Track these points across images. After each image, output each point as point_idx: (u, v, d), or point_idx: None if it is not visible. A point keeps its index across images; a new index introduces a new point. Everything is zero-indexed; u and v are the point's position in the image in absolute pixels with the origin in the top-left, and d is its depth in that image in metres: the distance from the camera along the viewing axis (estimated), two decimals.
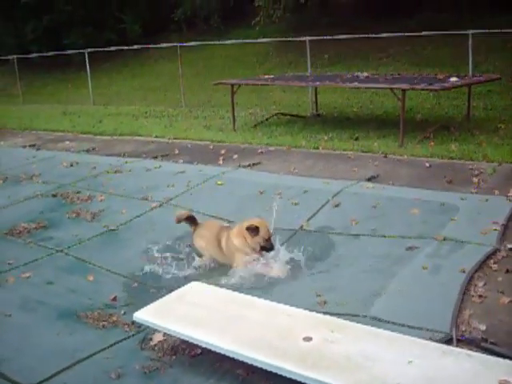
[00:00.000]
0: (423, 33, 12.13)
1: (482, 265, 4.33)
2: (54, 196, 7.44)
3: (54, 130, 13.02)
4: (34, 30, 21.54)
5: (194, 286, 3.87)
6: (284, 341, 3.04)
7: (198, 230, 5.44)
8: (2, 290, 4.84)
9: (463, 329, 3.51)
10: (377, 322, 3.62)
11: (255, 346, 3.03)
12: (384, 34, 12.51)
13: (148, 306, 3.64)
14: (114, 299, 4.64)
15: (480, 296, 3.89)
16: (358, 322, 3.52)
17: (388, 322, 3.60)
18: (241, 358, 3.01)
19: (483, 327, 3.49)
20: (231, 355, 3.05)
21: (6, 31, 22.14)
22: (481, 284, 4.06)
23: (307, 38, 12.58)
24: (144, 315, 3.52)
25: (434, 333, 3.43)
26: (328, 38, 13.12)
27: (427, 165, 7.21)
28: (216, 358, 3.35)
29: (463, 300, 3.83)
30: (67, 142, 11.25)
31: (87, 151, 10.18)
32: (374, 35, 12.60)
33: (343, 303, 4.02)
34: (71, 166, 8.96)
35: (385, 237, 5.18)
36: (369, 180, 6.80)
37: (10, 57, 20.17)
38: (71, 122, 13.81)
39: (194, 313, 3.47)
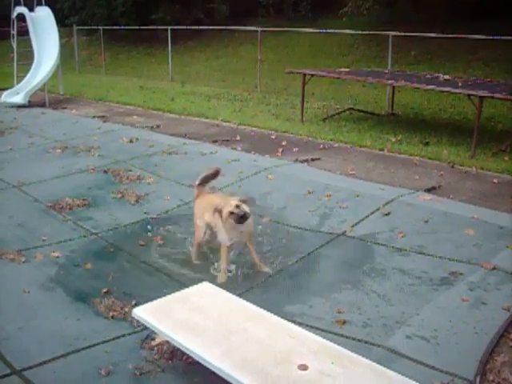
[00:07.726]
0: None
1: None
2: (105, 172, 7.37)
3: (126, 103, 13.14)
4: (125, 3, 21.82)
5: (203, 288, 3.60)
6: (277, 366, 2.73)
7: None
8: (28, 266, 4.78)
9: (490, 378, 3.07)
10: (392, 354, 3.25)
11: (245, 367, 2.73)
12: (474, 36, 11.71)
13: (149, 304, 3.42)
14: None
15: None
16: (371, 352, 3.17)
17: (405, 357, 3.22)
18: (226, 378, 2.73)
19: None
20: (218, 372, 2.78)
21: (97, 2, 22.55)
22: None
23: (390, 33, 12.00)
24: (142, 313, 3.29)
25: (454, 378, 3.02)
26: (411, 34, 12.47)
27: (495, 181, 6.63)
28: (211, 370, 3.10)
29: (499, 344, 3.37)
30: (135, 117, 11.30)
31: (151, 128, 10.14)
32: (461, 35, 11.82)
33: (363, 326, 3.66)
34: (130, 141, 8.91)
35: (430, 256, 4.73)
36: (428, 191, 6.33)
37: (97, 27, 20.53)
38: (145, 97, 13.87)
39: (193, 318, 3.21)
